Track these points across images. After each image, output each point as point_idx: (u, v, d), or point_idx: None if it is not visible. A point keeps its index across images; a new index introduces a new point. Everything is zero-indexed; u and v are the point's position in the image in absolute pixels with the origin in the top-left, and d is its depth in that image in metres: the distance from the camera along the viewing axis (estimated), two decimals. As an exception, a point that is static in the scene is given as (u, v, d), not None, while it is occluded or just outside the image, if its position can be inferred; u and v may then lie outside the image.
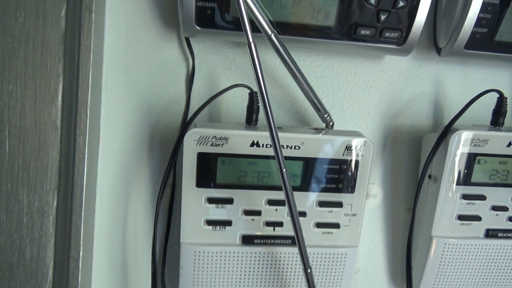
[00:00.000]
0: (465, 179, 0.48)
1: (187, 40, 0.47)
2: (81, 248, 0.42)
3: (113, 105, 0.47)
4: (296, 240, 0.39)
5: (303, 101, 0.50)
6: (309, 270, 0.41)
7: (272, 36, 0.40)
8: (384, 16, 0.43)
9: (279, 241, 0.46)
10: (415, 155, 0.54)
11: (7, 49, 0.38)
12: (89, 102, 0.41)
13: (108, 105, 0.47)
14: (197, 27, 0.42)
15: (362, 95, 0.52)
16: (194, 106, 0.48)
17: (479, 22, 0.44)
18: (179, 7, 0.42)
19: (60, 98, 0.40)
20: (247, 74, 0.49)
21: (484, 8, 0.44)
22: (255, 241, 0.46)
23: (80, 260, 0.42)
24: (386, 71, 0.52)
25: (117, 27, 0.46)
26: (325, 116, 0.48)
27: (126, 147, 0.48)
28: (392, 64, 0.52)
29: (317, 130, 0.46)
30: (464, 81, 0.53)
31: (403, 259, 0.53)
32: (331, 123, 0.49)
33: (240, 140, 0.43)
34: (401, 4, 0.42)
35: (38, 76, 0.39)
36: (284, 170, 0.36)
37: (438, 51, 0.50)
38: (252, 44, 0.33)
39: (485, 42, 0.46)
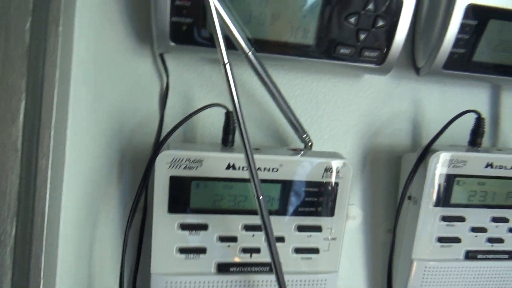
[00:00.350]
0: (445, 201, 0.48)
1: (161, 56, 0.45)
2: (42, 281, 0.40)
3: (81, 125, 0.45)
4: (274, 271, 0.38)
5: (281, 120, 0.49)
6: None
7: (250, 54, 0.39)
8: (364, 35, 0.42)
9: (256, 269, 0.45)
10: (394, 175, 0.54)
11: (-36, 63, 0.36)
12: (53, 122, 0.39)
13: (74, 125, 0.45)
14: (172, 43, 0.40)
15: (341, 114, 0.51)
16: (168, 125, 0.46)
17: (457, 42, 0.45)
18: (152, 22, 0.40)
19: (21, 117, 0.38)
20: (223, 92, 0.47)
21: (462, 29, 0.44)
22: (231, 269, 0.44)
23: (40, 296, 0.40)
24: (365, 90, 0.51)
25: (87, 41, 0.44)
26: (304, 136, 0.47)
27: (94, 170, 0.46)
28: (371, 83, 0.51)
29: (296, 151, 0.45)
30: (442, 101, 0.53)
31: (384, 282, 0.52)
32: (309, 143, 0.48)
33: (215, 163, 0.41)
34: (380, 23, 0.42)
35: (-3, 93, 0.37)
36: (261, 197, 0.34)
37: (417, 70, 0.50)
38: (228, 65, 0.32)
39: (463, 63, 0.46)
